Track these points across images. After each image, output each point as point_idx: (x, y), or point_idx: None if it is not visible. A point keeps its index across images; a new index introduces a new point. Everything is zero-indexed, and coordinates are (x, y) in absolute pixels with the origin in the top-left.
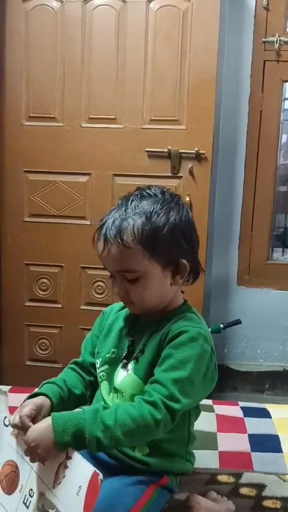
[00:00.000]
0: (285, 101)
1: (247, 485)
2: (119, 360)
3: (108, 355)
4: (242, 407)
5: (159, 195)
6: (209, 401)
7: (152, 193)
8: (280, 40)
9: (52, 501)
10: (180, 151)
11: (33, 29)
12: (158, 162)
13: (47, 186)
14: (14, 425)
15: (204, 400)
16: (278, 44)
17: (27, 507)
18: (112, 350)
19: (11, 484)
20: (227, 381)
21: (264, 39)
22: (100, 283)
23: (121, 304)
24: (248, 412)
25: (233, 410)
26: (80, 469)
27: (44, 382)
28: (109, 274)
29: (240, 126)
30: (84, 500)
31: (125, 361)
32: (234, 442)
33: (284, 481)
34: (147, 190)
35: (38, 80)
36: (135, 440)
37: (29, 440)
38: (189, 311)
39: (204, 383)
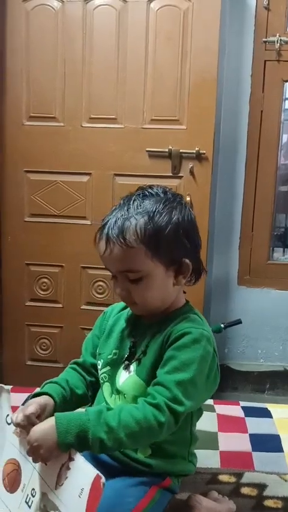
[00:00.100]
0: (286, 101)
1: (248, 485)
2: (121, 361)
3: (109, 357)
4: (243, 407)
5: (162, 195)
6: (210, 401)
7: (154, 193)
8: (281, 40)
9: (54, 502)
10: (180, 151)
11: (33, 29)
12: (159, 162)
13: (47, 186)
14: (17, 424)
15: None
16: (278, 44)
17: (29, 506)
18: (114, 351)
19: (13, 482)
20: (228, 381)
21: (265, 39)
22: (101, 283)
23: (122, 304)
24: (249, 411)
25: (234, 410)
26: (83, 471)
27: (46, 381)
28: (111, 274)
29: (240, 126)
30: (87, 503)
31: (126, 362)
32: (235, 442)
33: (285, 480)
34: (149, 190)
35: (39, 80)
36: (139, 443)
37: (31, 440)
38: (191, 312)
39: (207, 384)
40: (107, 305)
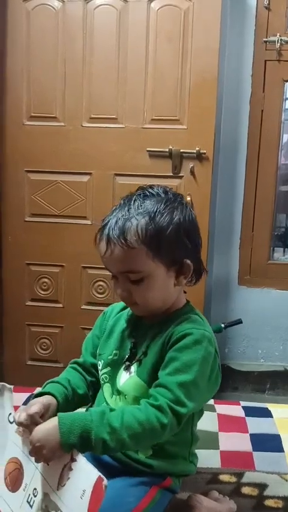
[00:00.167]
0: (287, 101)
1: (249, 484)
2: (121, 362)
3: (110, 357)
4: (243, 407)
5: (162, 195)
6: (210, 401)
7: (154, 193)
8: (281, 40)
9: (56, 503)
10: (181, 151)
11: (34, 29)
12: (159, 161)
13: (48, 185)
14: (20, 424)
15: None
16: (279, 44)
17: (31, 506)
18: (114, 352)
19: (15, 481)
20: (228, 381)
21: (266, 39)
22: (101, 283)
23: (122, 304)
24: (250, 411)
25: (235, 410)
26: (85, 473)
27: (48, 381)
28: (111, 275)
29: (241, 126)
30: (88, 505)
31: (127, 363)
32: (235, 442)
33: (286, 480)
34: (150, 190)
35: (39, 80)
36: (141, 444)
37: (34, 440)
38: (192, 312)
39: (208, 385)
40: (107, 305)
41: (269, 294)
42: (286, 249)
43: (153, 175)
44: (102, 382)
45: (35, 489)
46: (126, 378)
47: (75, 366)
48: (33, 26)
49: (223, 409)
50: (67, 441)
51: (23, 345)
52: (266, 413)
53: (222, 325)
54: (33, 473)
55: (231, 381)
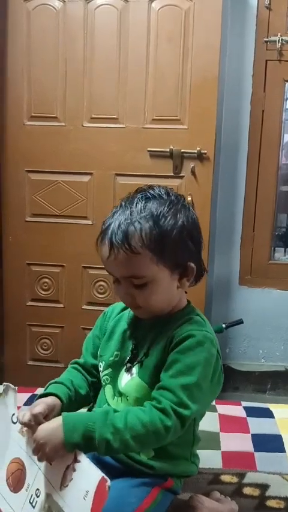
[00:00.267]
0: (287, 101)
1: (250, 485)
2: (122, 363)
3: (111, 359)
4: (244, 407)
5: (165, 196)
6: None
7: (156, 195)
8: (282, 40)
9: (58, 503)
10: (182, 151)
11: (35, 29)
12: (160, 161)
13: (48, 185)
14: (23, 423)
15: None
16: (280, 44)
17: (33, 507)
18: (115, 353)
19: (17, 482)
20: (229, 381)
21: (266, 39)
22: (102, 283)
23: (123, 304)
24: (251, 412)
25: (236, 410)
26: (88, 474)
27: (50, 382)
28: (113, 278)
29: (242, 126)
30: (91, 506)
31: (129, 364)
32: (237, 442)
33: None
34: (151, 192)
35: (40, 80)
36: (145, 446)
37: (38, 437)
38: (193, 313)
39: (211, 386)
40: (108, 305)
41: (269, 294)
42: (287, 249)
43: (154, 175)
44: (104, 383)
45: (37, 490)
46: (128, 380)
47: (76, 366)
48: (33, 26)
49: (224, 409)
50: (70, 440)
51: (24, 345)
52: (268, 414)
53: (223, 325)
54: (36, 473)
55: (232, 381)
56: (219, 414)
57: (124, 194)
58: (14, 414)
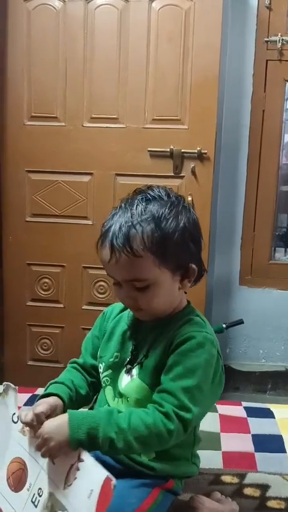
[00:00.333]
0: None
1: (251, 485)
2: (122, 364)
3: (111, 360)
4: (245, 408)
5: (165, 197)
6: None
7: (156, 196)
8: (282, 39)
9: (62, 502)
10: (182, 151)
11: (35, 29)
12: (160, 161)
13: (49, 185)
14: (25, 423)
15: None
16: (280, 44)
17: (35, 506)
18: (115, 354)
19: (18, 481)
20: (229, 381)
21: (267, 39)
22: (102, 283)
23: (122, 304)
24: (251, 412)
25: (236, 411)
26: (93, 473)
27: (51, 382)
28: (113, 280)
29: (242, 126)
30: (96, 504)
31: (129, 366)
32: (237, 443)
33: None
34: (151, 193)
35: (40, 80)
36: (147, 448)
37: (43, 432)
38: (193, 314)
39: (212, 388)
40: (108, 305)
41: (270, 294)
42: (287, 249)
43: (154, 175)
44: (104, 384)
45: (40, 489)
46: (128, 381)
47: (75, 365)
48: (34, 26)
49: (225, 409)
50: (75, 437)
51: (24, 345)
52: (268, 414)
53: (224, 326)
54: (38, 473)
55: (232, 381)
56: (219, 414)
57: (124, 194)
58: (14, 414)
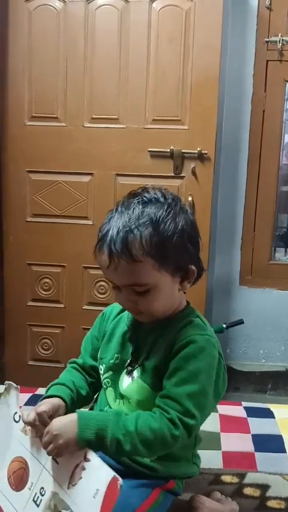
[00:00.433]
0: None
1: (251, 485)
2: (123, 365)
3: (111, 361)
4: (245, 408)
5: (162, 199)
6: None
7: (153, 198)
8: (283, 40)
9: (66, 502)
10: (182, 151)
11: (36, 29)
12: (161, 162)
13: (49, 186)
14: (28, 422)
15: None
16: (280, 44)
17: (37, 505)
18: (116, 356)
19: (20, 480)
20: (230, 381)
21: (267, 39)
22: (102, 283)
23: None
24: (252, 412)
25: (236, 411)
26: (99, 472)
27: (52, 383)
28: (112, 284)
29: (242, 126)
30: (102, 504)
31: (129, 368)
32: (237, 442)
33: None
34: (147, 195)
35: (41, 80)
36: (152, 451)
37: (52, 429)
38: (193, 315)
39: (216, 389)
40: (108, 305)
41: (270, 294)
42: (287, 249)
43: (155, 175)
44: (105, 386)
45: (42, 488)
46: (129, 382)
47: (75, 366)
48: (34, 27)
49: (225, 409)
50: (83, 436)
51: (25, 345)
52: (268, 414)
53: (224, 326)
54: (40, 472)
55: (232, 381)
56: (219, 414)
57: (125, 194)
58: (16, 413)
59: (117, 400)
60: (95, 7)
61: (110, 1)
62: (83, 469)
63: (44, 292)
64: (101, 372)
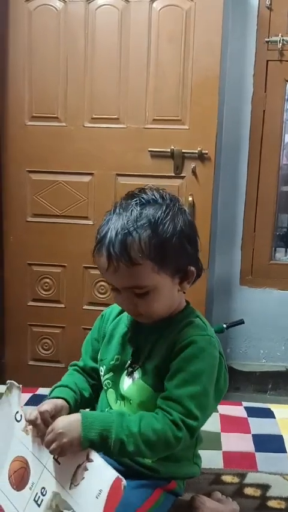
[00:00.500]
0: None
1: (251, 485)
2: (123, 366)
3: (112, 362)
4: (245, 408)
5: (160, 200)
6: None
7: (151, 199)
8: (283, 40)
9: (68, 502)
10: (183, 151)
11: (36, 29)
12: (161, 162)
13: (49, 186)
14: (29, 421)
15: None
16: (281, 44)
17: (39, 505)
18: (116, 357)
19: (20, 480)
20: (230, 381)
21: (267, 39)
22: (103, 283)
23: None
24: (252, 412)
25: (237, 411)
26: (102, 473)
27: (55, 385)
28: (111, 286)
29: (243, 126)
30: (105, 504)
31: (130, 369)
32: (238, 442)
33: None
34: (145, 196)
35: (41, 80)
36: (155, 453)
37: (56, 427)
38: (193, 315)
39: (217, 389)
40: (109, 305)
41: (270, 294)
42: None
43: (155, 175)
44: (106, 387)
45: (43, 488)
46: (130, 383)
47: (77, 368)
48: (35, 26)
49: (225, 409)
50: (87, 436)
51: (25, 345)
52: (268, 414)
53: (224, 326)
54: (41, 472)
55: (233, 381)
56: (220, 414)
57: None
58: (17, 412)
59: (118, 401)
60: (95, 7)
61: (110, 1)
62: (86, 469)
63: (44, 292)
64: (102, 373)
